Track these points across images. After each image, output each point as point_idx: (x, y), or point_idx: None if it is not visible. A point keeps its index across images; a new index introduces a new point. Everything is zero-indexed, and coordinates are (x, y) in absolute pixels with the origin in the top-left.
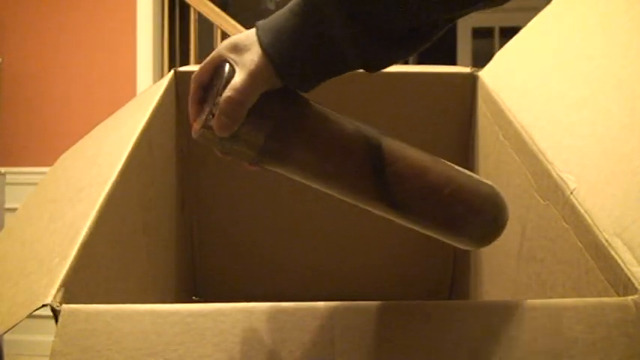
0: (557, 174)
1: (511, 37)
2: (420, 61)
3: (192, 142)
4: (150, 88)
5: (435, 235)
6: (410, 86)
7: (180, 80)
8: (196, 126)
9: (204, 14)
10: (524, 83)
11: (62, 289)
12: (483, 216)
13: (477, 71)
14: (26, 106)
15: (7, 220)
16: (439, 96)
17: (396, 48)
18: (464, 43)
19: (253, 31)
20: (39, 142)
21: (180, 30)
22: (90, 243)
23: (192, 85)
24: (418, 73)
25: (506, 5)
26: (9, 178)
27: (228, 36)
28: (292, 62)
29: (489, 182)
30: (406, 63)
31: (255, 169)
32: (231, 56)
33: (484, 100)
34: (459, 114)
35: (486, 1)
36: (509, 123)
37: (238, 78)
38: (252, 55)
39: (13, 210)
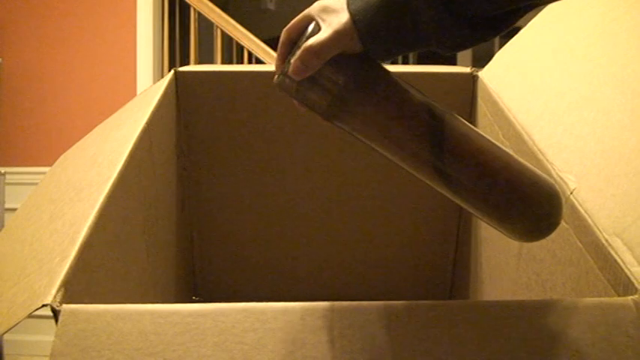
0: (557, 174)
1: (511, 37)
2: (420, 61)
3: (192, 142)
4: (150, 88)
5: (484, 219)
6: None
7: (180, 80)
8: (276, 73)
9: (204, 14)
10: (524, 83)
11: (62, 289)
12: (537, 209)
13: (477, 71)
14: (26, 106)
15: (7, 220)
16: (439, 96)
17: (478, 31)
18: None
19: None
20: (39, 142)
21: (180, 30)
22: (90, 243)
23: (280, 40)
24: (418, 73)
25: None
26: (9, 178)
27: (228, 36)
28: (376, 31)
29: (550, 179)
30: (406, 63)
31: (326, 123)
32: (320, 15)
33: (484, 100)
34: (459, 114)
35: None
36: (509, 123)
37: (321, 32)
38: (340, 18)
39: (13, 210)
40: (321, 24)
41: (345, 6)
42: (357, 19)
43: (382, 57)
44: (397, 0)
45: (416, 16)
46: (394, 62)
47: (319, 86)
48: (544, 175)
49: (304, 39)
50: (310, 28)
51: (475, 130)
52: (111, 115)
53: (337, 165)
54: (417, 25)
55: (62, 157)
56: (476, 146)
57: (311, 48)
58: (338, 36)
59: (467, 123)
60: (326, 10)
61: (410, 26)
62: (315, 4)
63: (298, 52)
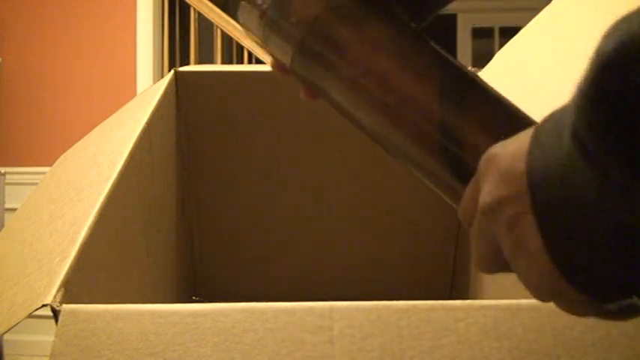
0: None
1: (511, 37)
2: None
3: (192, 142)
4: (150, 88)
5: None
6: None
7: (180, 80)
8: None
9: (204, 14)
10: (524, 83)
11: (62, 289)
12: None
13: (477, 71)
14: (26, 106)
15: (7, 220)
16: None
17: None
18: (464, 43)
19: None
20: (39, 142)
21: (180, 30)
22: (90, 243)
23: None
24: None
25: (506, 5)
26: (9, 178)
27: (228, 36)
28: None
29: None
30: None
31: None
32: None
33: None
34: None
35: None
36: None
37: None
38: None
39: (13, 210)
40: None
41: None
42: None
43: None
44: None
45: None
46: None
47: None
48: None
49: None
50: None
51: (514, 113)
52: (111, 115)
53: (338, 165)
54: None
55: (62, 157)
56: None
57: None
58: None
59: (501, 98)
60: None
61: None
62: None
63: None
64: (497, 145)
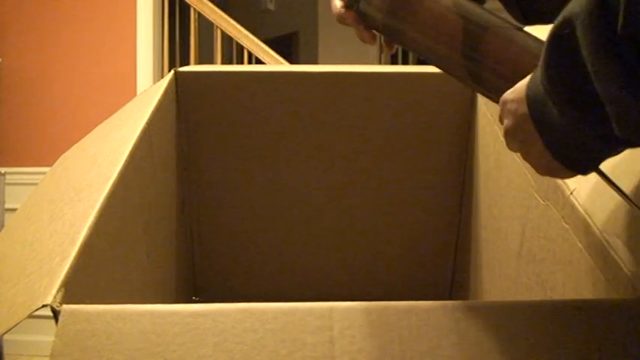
0: None
1: None
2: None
3: (192, 142)
4: (150, 88)
5: None
6: (410, 86)
7: (180, 80)
8: None
9: (204, 14)
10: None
11: (62, 289)
12: None
13: None
14: (26, 106)
15: (7, 220)
16: (439, 96)
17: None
18: None
19: None
20: (39, 142)
21: (180, 30)
22: (90, 243)
23: None
24: (418, 73)
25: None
26: (9, 178)
27: (228, 36)
28: None
29: None
30: (406, 63)
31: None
32: None
33: (484, 100)
34: (459, 114)
35: None
36: None
37: None
38: None
39: (13, 210)
40: None
41: None
42: None
43: None
44: None
45: None
46: (394, 62)
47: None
48: None
49: None
50: None
51: (516, 43)
52: (111, 115)
53: (337, 165)
54: None
55: (62, 157)
56: (512, 58)
57: None
58: None
59: (515, 32)
60: None
61: None
62: None
63: None
64: (507, 93)
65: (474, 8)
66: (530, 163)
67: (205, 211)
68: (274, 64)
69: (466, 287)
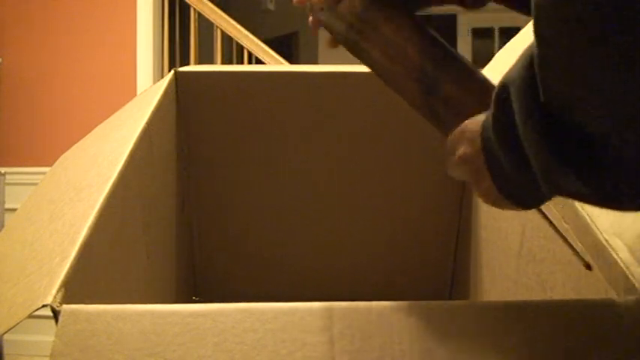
0: None
1: (511, 37)
2: None
3: (192, 142)
4: (150, 88)
5: None
6: None
7: (180, 80)
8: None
9: (204, 14)
10: None
11: (62, 289)
12: None
13: None
14: (26, 106)
15: (7, 220)
16: None
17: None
18: (464, 43)
19: None
20: (39, 142)
21: (180, 30)
22: (90, 243)
23: None
24: None
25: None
26: (9, 178)
27: (228, 36)
28: None
29: None
30: None
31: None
32: None
33: None
34: None
35: None
36: None
37: None
38: None
39: (13, 210)
40: None
41: None
42: None
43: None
44: None
45: None
46: None
47: (339, 13)
48: None
49: None
50: None
51: (479, 81)
52: (111, 115)
53: (337, 165)
54: None
55: (62, 157)
56: (474, 100)
57: None
58: None
59: (473, 71)
60: None
61: None
62: None
63: None
64: (469, 121)
65: (433, 47)
66: (478, 192)
67: (205, 211)
68: (274, 64)
69: (466, 287)
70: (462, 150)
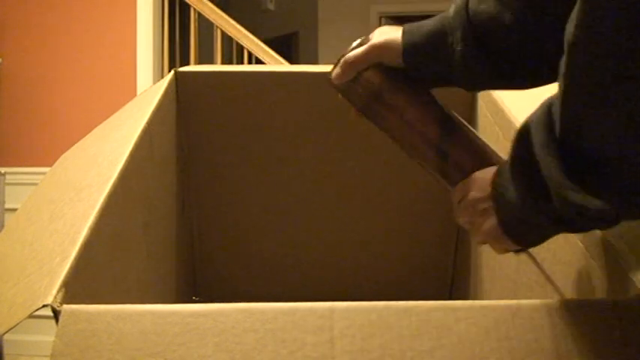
0: None
1: None
2: None
3: (192, 142)
4: (150, 88)
5: None
6: None
7: (180, 80)
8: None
9: (204, 14)
10: None
11: (62, 289)
12: None
13: None
14: (26, 106)
15: (7, 220)
16: (439, 96)
17: (498, 76)
18: None
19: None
20: (39, 142)
21: (180, 30)
22: (90, 243)
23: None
24: None
25: None
26: (9, 178)
27: (228, 36)
28: (416, 51)
29: None
30: None
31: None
32: (371, 35)
33: (484, 100)
34: (459, 114)
35: None
36: (510, 123)
37: (361, 47)
38: (387, 35)
39: (13, 210)
40: (367, 42)
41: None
42: (405, 33)
43: (415, 72)
44: (439, 33)
45: (450, 50)
46: None
47: (359, 85)
48: None
49: (349, 50)
50: (355, 43)
51: (480, 146)
52: (111, 115)
53: (338, 165)
54: (451, 60)
55: (62, 157)
56: (477, 161)
57: (346, 58)
58: (373, 49)
59: (475, 138)
60: (382, 31)
61: (444, 55)
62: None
63: (340, 60)
64: (478, 171)
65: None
66: (476, 233)
67: (205, 211)
68: (274, 64)
69: (466, 287)
70: (471, 194)
